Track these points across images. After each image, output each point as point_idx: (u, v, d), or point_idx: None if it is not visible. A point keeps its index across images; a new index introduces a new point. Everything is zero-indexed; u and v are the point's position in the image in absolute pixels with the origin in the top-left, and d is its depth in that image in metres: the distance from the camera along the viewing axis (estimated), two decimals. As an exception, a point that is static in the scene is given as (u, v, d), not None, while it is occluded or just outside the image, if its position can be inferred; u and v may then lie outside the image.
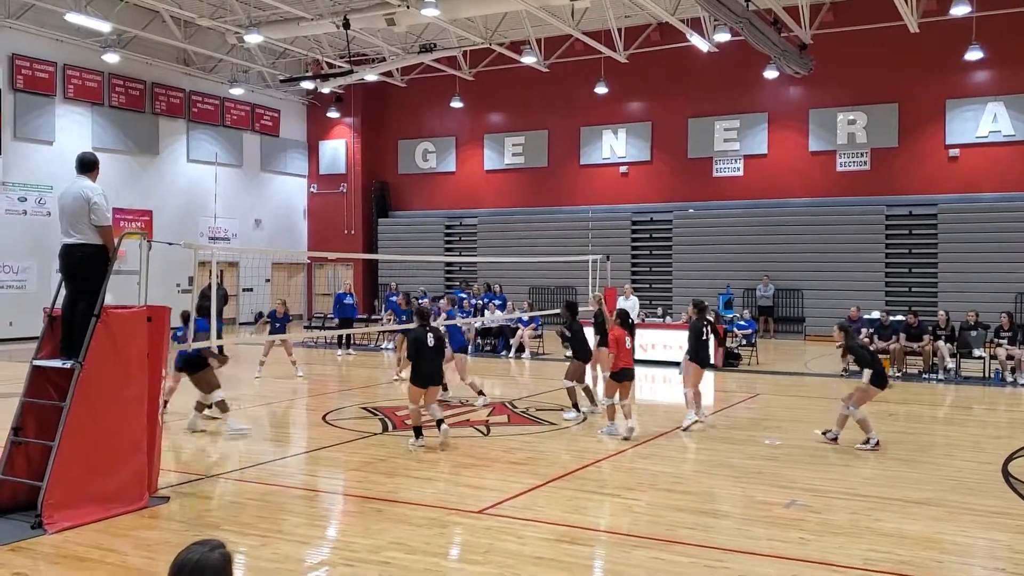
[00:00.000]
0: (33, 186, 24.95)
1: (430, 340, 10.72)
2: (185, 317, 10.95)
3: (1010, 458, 10.17)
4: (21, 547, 6.83)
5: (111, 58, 25.94)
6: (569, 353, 13.65)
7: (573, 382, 12.93)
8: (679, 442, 11.36)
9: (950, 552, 6.93)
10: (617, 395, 11.54)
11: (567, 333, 13.37)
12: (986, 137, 24.94)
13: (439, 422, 10.78)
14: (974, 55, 23.68)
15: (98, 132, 26.71)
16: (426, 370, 10.66)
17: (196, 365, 11.37)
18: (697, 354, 12.27)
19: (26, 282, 24.69)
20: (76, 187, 7.96)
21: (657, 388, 17.61)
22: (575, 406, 12.87)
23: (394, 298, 22.44)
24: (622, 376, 11.43)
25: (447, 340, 12.38)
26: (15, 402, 7.89)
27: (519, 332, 21.78)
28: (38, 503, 7.26)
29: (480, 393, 13.85)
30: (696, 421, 12.09)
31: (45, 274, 24.09)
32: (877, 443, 10.66)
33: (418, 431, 10.76)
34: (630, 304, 20.16)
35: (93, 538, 7.05)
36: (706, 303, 13.56)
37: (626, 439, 11.06)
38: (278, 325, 17.72)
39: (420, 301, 19.22)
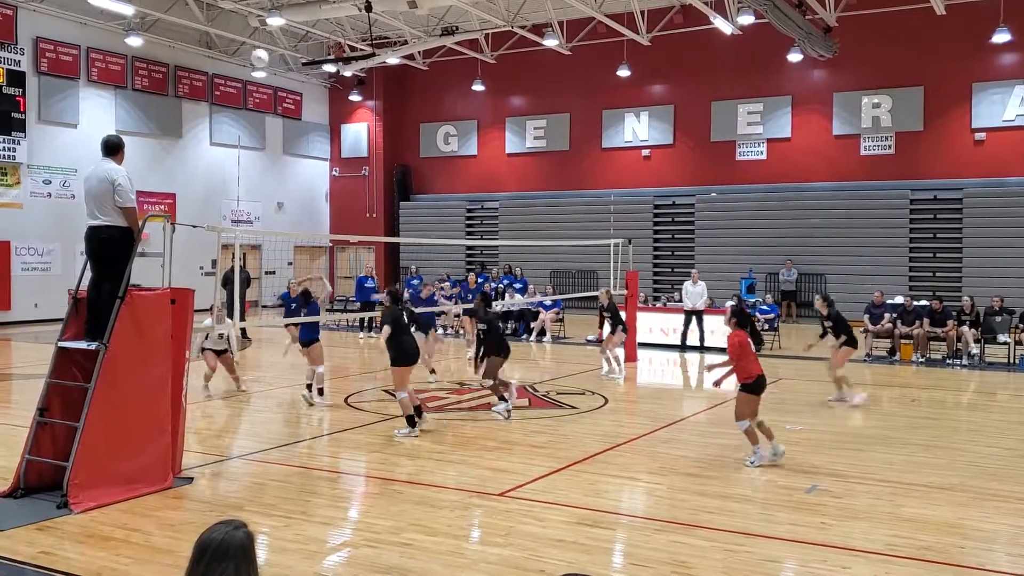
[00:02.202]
0: (57, 169, 25.14)
1: (405, 318, 10.85)
2: (306, 295, 12.65)
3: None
4: (47, 526, 6.91)
5: (134, 41, 26.06)
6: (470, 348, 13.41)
7: (493, 380, 11.88)
8: (700, 427, 11.35)
9: (973, 538, 6.89)
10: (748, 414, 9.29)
11: (481, 326, 12.16)
12: (1013, 121, 24.60)
13: (418, 410, 10.71)
14: (1001, 37, 23.38)
15: (121, 115, 26.84)
16: (408, 348, 10.68)
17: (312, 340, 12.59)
18: (850, 337, 13.31)
19: (51, 264, 24.92)
20: (101, 169, 7.98)
21: (680, 372, 17.60)
22: (501, 398, 11.91)
23: (415, 282, 22.50)
24: (759, 386, 9.23)
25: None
26: (41, 383, 7.98)
27: (540, 316, 21.79)
28: (64, 483, 7.34)
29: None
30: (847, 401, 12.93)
31: (70, 256, 24.30)
32: None
33: (411, 419, 10.48)
34: (698, 290, 19.64)
35: (118, 518, 7.12)
36: (831, 296, 14.74)
37: (774, 463, 9.06)
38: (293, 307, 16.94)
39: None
